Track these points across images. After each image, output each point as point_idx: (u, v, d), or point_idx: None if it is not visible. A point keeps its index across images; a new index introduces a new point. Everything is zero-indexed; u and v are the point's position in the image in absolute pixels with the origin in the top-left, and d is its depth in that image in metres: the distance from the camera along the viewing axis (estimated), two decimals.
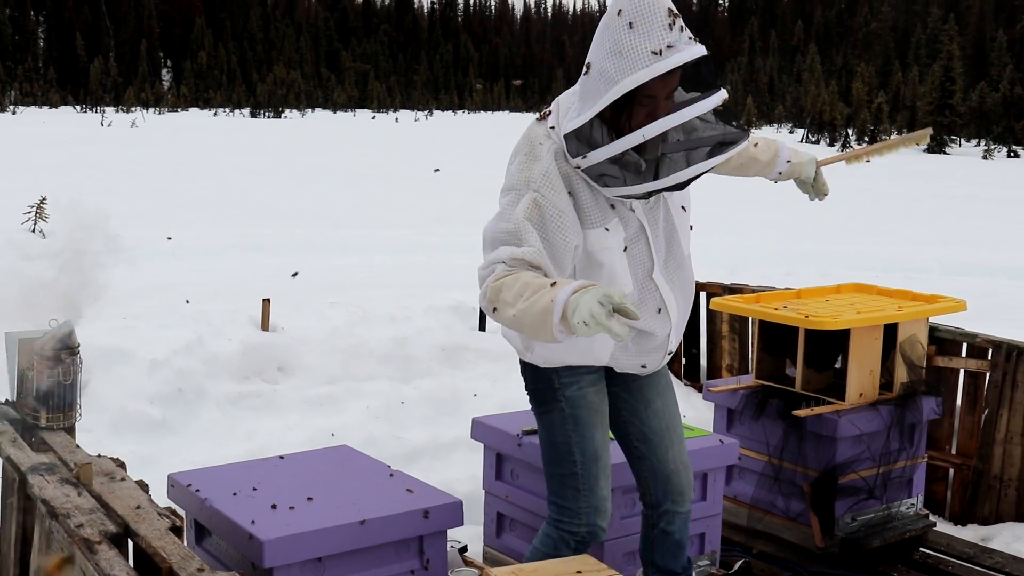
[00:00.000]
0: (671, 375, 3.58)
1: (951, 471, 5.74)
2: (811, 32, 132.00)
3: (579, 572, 3.16)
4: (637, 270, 3.22)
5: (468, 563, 4.09)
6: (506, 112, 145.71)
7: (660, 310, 3.27)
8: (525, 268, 2.96)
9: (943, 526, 5.49)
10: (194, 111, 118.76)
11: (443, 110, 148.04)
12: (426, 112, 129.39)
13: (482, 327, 6.81)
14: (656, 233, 3.26)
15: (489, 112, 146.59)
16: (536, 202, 3.04)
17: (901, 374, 4.90)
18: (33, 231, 15.37)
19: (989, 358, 5.52)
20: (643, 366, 3.36)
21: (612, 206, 3.16)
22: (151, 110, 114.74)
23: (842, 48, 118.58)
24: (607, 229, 3.15)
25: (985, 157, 65.23)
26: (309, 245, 16.26)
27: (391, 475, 3.75)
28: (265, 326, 6.44)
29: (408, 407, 5.98)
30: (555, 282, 2.83)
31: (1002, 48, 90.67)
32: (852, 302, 5.05)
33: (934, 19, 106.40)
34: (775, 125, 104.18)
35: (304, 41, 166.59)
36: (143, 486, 3.20)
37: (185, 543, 3.03)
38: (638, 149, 3.03)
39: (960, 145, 76.64)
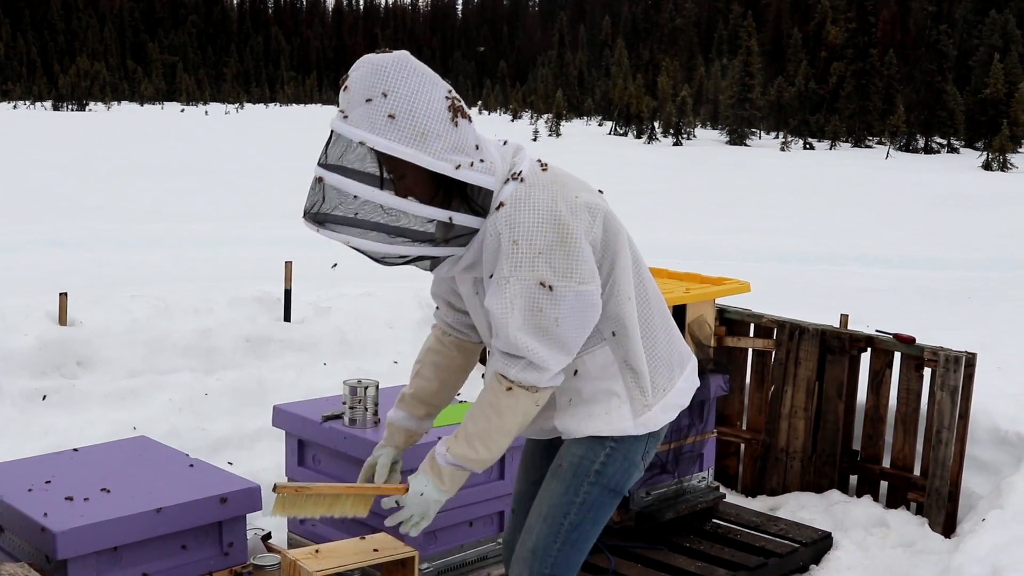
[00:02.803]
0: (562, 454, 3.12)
1: (742, 446, 6.03)
2: (619, 27, 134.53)
3: (376, 550, 3.24)
4: None
5: (271, 549, 4.11)
6: (318, 105, 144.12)
7: None
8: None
9: (735, 498, 5.76)
10: None
11: (254, 103, 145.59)
12: (237, 105, 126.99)
13: (287, 317, 6.79)
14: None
15: (301, 105, 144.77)
16: None
17: None
18: None
19: (775, 337, 5.81)
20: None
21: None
22: None
23: (648, 43, 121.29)
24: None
25: (782, 149, 67.89)
26: (112, 240, 15.86)
27: (190, 464, 3.75)
28: (63, 320, 6.28)
29: (212, 398, 5.93)
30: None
31: (798, 45, 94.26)
32: None
33: (735, 15, 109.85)
34: (585, 118, 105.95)
35: (108, 32, 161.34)
36: None
37: None
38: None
39: (760, 137, 79.55)
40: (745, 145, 72.35)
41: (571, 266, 2.76)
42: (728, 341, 5.90)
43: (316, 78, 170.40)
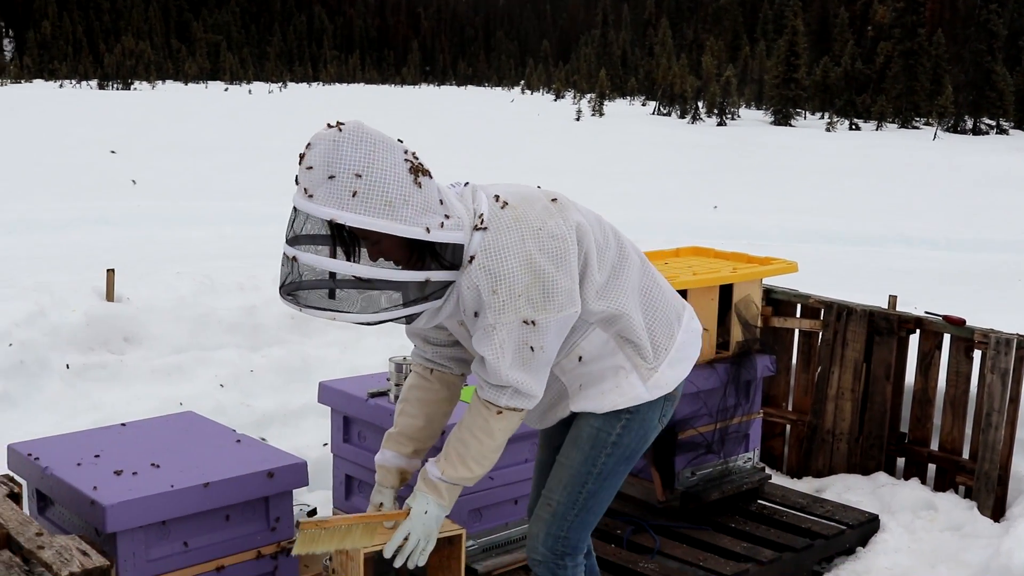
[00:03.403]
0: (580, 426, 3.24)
1: (787, 427, 5.99)
2: (663, 6, 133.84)
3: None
4: None
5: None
6: (361, 84, 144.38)
7: None
8: None
9: (780, 479, 5.72)
10: (39, 83, 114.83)
11: (297, 82, 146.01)
12: (280, 84, 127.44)
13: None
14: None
15: (344, 84, 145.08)
16: None
17: (737, 333, 5.08)
18: None
19: (821, 318, 5.76)
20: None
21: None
22: None
23: (692, 22, 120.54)
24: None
25: (828, 129, 67.26)
26: (157, 217, 15.97)
27: (237, 440, 3.76)
28: (110, 296, 6.33)
29: (257, 375, 5.96)
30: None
31: (844, 24, 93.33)
32: (689, 264, 5.22)
33: None
34: (628, 97, 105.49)
35: (153, 11, 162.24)
36: None
37: (27, 514, 3.00)
38: None
39: (804, 118, 78.85)
40: (790, 126, 71.79)
41: (548, 298, 2.88)
42: (774, 321, 5.85)
43: (359, 57, 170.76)
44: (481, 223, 2.86)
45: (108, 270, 6.42)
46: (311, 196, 2.72)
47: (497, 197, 2.96)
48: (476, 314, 2.89)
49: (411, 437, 3.21)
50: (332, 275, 2.87)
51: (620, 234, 3.17)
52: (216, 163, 25.90)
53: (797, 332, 5.95)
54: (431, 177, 2.82)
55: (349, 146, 2.71)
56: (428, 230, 2.75)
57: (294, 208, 2.79)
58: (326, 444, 5.14)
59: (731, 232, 15.43)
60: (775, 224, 17.30)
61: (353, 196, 2.69)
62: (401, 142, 2.82)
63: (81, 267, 9.33)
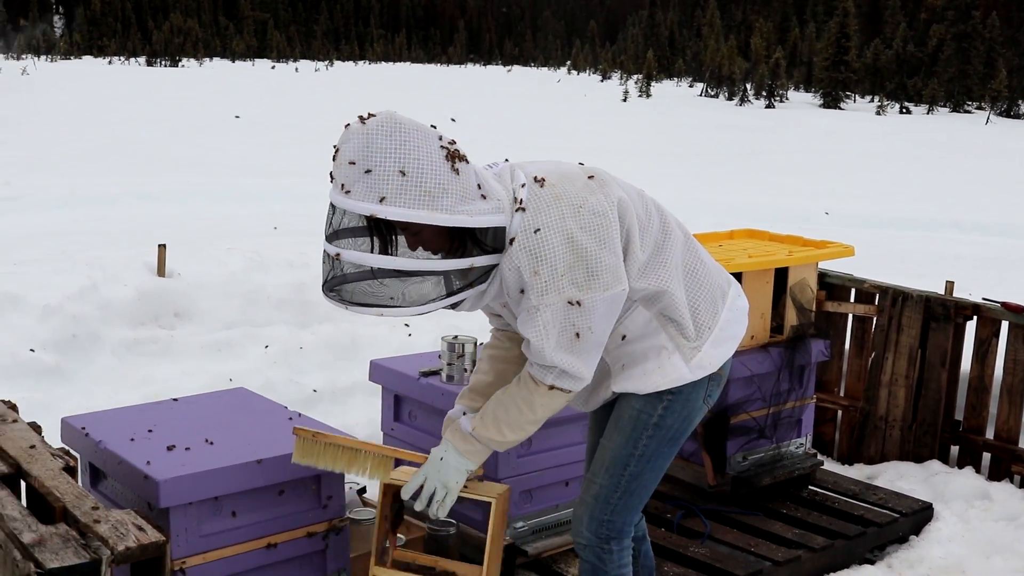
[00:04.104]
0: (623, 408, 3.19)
1: (839, 413, 5.91)
2: None
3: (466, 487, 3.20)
4: None
5: (366, 504, 4.12)
6: (407, 63, 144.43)
7: None
8: None
9: (831, 465, 5.65)
10: (88, 59, 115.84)
11: (343, 60, 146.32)
12: (326, 62, 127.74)
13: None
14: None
15: (390, 63, 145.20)
16: None
17: (791, 317, 5.02)
18: None
19: (876, 303, 5.68)
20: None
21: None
22: (43, 58, 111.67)
23: (741, 3, 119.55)
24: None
25: (878, 113, 66.55)
26: (205, 194, 16.04)
27: (290, 418, 3.75)
28: (161, 272, 6.35)
29: (306, 352, 5.96)
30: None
31: (896, 6, 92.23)
32: (744, 247, 5.16)
33: None
34: (675, 79, 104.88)
35: None
36: (35, 428, 3.16)
37: (83, 487, 3.00)
38: None
39: (854, 101, 78.06)
40: (839, 108, 71.11)
41: (593, 277, 2.83)
42: (828, 306, 5.77)
43: (405, 36, 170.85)
44: (521, 204, 2.82)
45: (160, 245, 6.44)
46: (348, 192, 2.68)
47: (536, 176, 2.91)
48: (522, 291, 2.85)
49: (481, 393, 3.19)
50: (375, 269, 2.84)
51: (664, 210, 3.11)
52: (263, 140, 25.99)
53: (851, 317, 5.87)
54: (467, 162, 2.77)
55: (383, 138, 2.67)
56: (471, 216, 2.72)
57: (331, 204, 2.76)
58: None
59: (778, 215, 15.28)
60: (823, 207, 17.13)
61: (391, 189, 2.65)
62: (435, 128, 2.77)
63: (131, 242, 9.37)
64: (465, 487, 3.10)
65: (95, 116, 32.26)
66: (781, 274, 4.98)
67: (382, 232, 2.83)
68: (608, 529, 3.15)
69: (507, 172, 2.93)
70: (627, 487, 3.13)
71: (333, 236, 2.79)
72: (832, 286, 5.82)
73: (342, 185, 2.70)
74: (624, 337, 3.03)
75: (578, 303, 2.80)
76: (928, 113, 69.81)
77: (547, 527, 4.17)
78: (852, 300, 5.82)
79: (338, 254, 2.77)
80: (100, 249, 8.02)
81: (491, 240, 2.81)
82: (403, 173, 2.65)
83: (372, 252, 2.81)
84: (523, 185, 2.86)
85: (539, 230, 2.80)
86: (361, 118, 2.73)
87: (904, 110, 70.22)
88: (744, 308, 3.26)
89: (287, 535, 3.44)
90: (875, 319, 5.70)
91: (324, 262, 2.85)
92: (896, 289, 5.61)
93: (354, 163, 2.67)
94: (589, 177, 2.95)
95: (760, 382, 4.86)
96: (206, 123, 31.44)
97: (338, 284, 2.87)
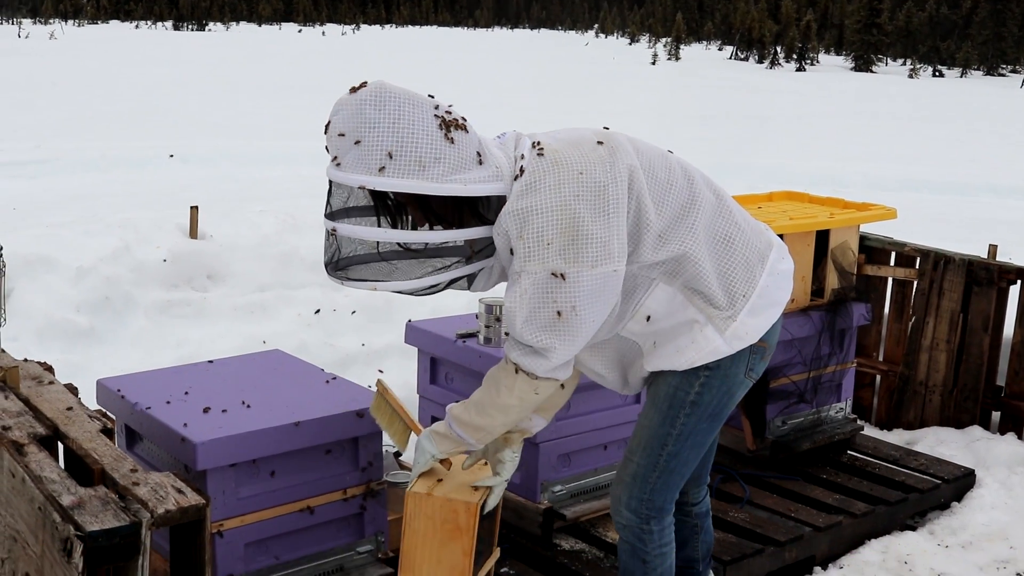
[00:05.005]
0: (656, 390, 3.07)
1: (878, 377, 5.84)
2: None
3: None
4: None
5: (404, 467, 4.09)
6: (434, 27, 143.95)
7: None
8: None
9: (870, 431, 5.58)
10: (115, 23, 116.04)
11: (370, 24, 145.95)
12: (353, 26, 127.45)
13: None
14: None
15: (417, 26, 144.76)
16: None
17: (832, 280, 4.94)
18: None
19: (917, 266, 5.59)
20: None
21: None
22: (70, 22, 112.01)
23: None
24: None
25: (911, 76, 65.91)
26: (235, 157, 16.02)
27: (327, 381, 3.71)
28: (193, 234, 6.33)
29: (340, 314, 5.92)
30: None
31: None
32: (784, 209, 5.07)
33: None
34: (704, 42, 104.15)
35: None
36: (72, 389, 3.14)
37: (121, 450, 2.97)
38: None
39: (886, 64, 77.32)
40: (871, 72, 70.46)
41: (580, 250, 2.67)
42: (868, 269, 5.68)
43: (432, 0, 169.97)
44: (521, 172, 2.72)
45: (192, 207, 6.41)
46: (339, 164, 2.63)
47: (537, 142, 2.79)
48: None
49: None
50: (378, 245, 2.78)
51: (692, 172, 2.95)
52: (291, 103, 25.96)
53: (890, 281, 5.78)
54: (467, 130, 2.68)
55: (373, 108, 2.60)
56: (465, 185, 2.63)
57: (329, 181, 2.70)
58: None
59: (812, 179, 15.13)
60: (857, 171, 16.96)
61: (382, 159, 2.58)
62: (432, 97, 2.69)
63: (163, 205, 9.37)
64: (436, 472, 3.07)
65: (123, 80, 32.29)
66: (822, 237, 4.90)
67: (378, 205, 2.75)
68: (648, 508, 3.05)
69: (512, 140, 2.83)
70: (665, 466, 3.01)
71: (330, 211, 2.74)
72: (872, 249, 5.72)
73: (334, 157, 2.64)
74: (649, 318, 2.89)
75: (562, 276, 2.66)
76: (962, 76, 69.09)
77: (585, 491, 4.12)
78: (892, 264, 5.73)
79: (334, 229, 2.71)
80: (132, 211, 8.01)
81: (493, 210, 2.73)
82: (394, 143, 2.58)
83: (369, 226, 2.73)
84: (526, 152, 2.76)
85: (530, 194, 2.68)
86: (352, 89, 2.66)
87: (937, 73, 69.53)
88: (787, 272, 3.07)
89: (325, 498, 3.42)
90: (916, 283, 5.61)
91: (326, 240, 2.79)
92: (938, 253, 5.52)
93: (344, 135, 2.61)
94: (598, 143, 2.80)
95: (800, 346, 4.79)
96: (234, 87, 31.42)
97: (338, 260, 2.81)
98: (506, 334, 2.83)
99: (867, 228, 5.62)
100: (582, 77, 46.47)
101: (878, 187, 15.52)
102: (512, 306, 2.72)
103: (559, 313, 2.68)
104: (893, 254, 5.71)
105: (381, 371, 5.51)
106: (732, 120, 27.51)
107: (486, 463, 3.14)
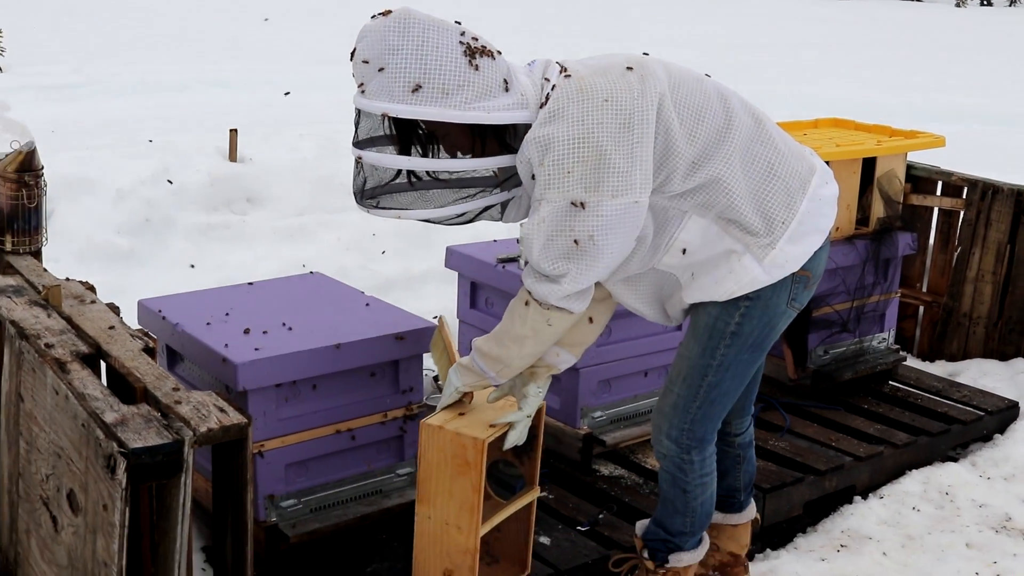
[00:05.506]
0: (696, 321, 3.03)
1: (921, 309, 5.77)
2: None
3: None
4: None
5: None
6: None
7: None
8: None
9: (912, 362, 5.53)
10: None
11: None
12: None
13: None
14: None
15: None
16: None
17: (878, 209, 4.86)
18: None
19: (964, 196, 5.50)
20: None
21: None
22: None
23: None
24: None
25: (958, 5, 64.67)
26: (274, 81, 15.96)
27: (367, 304, 3.70)
28: (233, 157, 6.31)
29: (380, 239, 5.91)
30: None
31: None
32: (830, 136, 4.99)
33: None
34: None
35: None
36: (114, 309, 3.14)
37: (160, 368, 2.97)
38: None
39: None
40: (918, 1, 69.19)
41: (601, 180, 2.62)
42: (913, 199, 5.58)
43: None
44: (547, 99, 2.67)
45: (231, 130, 6.39)
46: (364, 91, 2.61)
47: (564, 69, 2.73)
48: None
49: None
50: (405, 174, 2.76)
51: (730, 95, 2.87)
52: (329, 29, 25.81)
53: (936, 211, 5.69)
54: (493, 57, 2.63)
55: (396, 35, 2.56)
56: (489, 112, 2.59)
57: (355, 109, 2.68)
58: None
59: (856, 109, 14.90)
60: (905, 101, 16.69)
61: (405, 86, 2.55)
62: (459, 24, 2.64)
63: (203, 128, 9.35)
64: (460, 409, 3.05)
65: (162, 4, 32.20)
66: (868, 165, 4.82)
67: (403, 132, 2.72)
68: (689, 439, 3.03)
69: (540, 67, 2.78)
70: (705, 396, 2.99)
71: (357, 139, 2.72)
72: (918, 179, 5.62)
73: (360, 84, 2.62)
74: (684, 251, 2.84)
75: (582, 205, 2.62)
76: (1011, 6, 67.67)
77: (625, 417, 4.11)
78: (939, 193, 5.63)
79: (360, 157, 2.70)
80: (172, 134, 7.99)
81: (519, 139, 2.69)
82: (417, 70, 2.55)
83: (394, 154, 2.71)
84: (553, 79, 2.71)
85: (553, 122, 2.63)
86: (377, 15, 2.63)
87: (985, 3, 68.15)
88: (830, 197, 2.98)
89: (365, 420, 3.43)
90: (962, 213, 5.52)
91: (354, 169, 2.78)
92: (986, 182, 5.42)
93: (368, 62, 2.59)
94: (628, 68, 2.73)
95: (844, 275, 4.73)
96: (272, 11, 31.25)
97: (366, 188, 2.79)
98: (524, 262, 2.82)
99: (914, 157, 5.51)
100: (627, 3, 45.90)
101: (925, 118, 15.24)
102: (530, 234, 2.70)
103: (576, 242, 2.66)
104: (940, 183, 5.62)
105: (436, 318, 5.50)
106: (777, 48, 27.14)
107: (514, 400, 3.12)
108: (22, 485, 2.78)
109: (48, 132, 10.05)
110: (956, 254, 5.55)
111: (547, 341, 2.89)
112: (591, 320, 3.08)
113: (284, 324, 3.43)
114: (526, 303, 2.81)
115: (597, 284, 2.95)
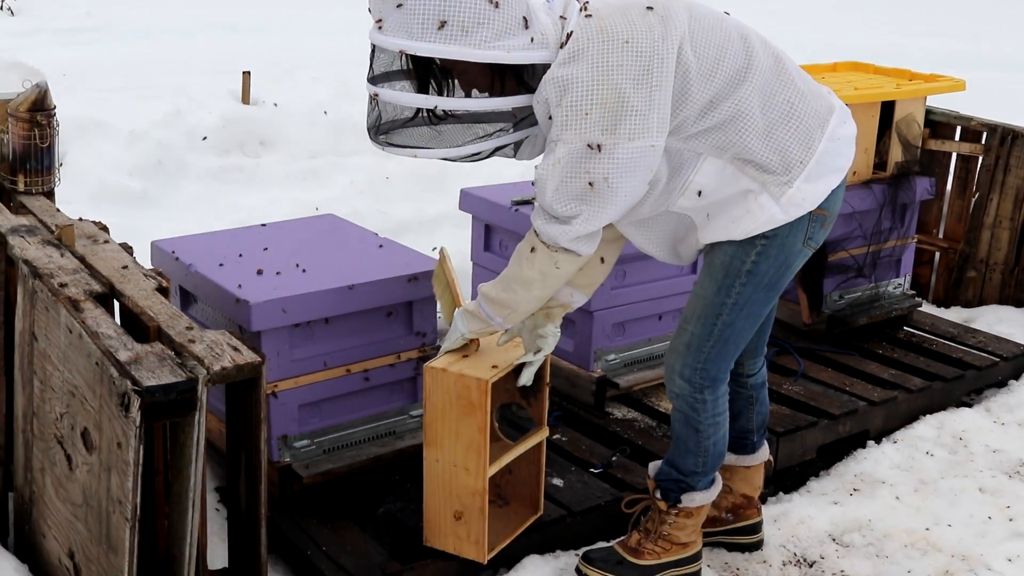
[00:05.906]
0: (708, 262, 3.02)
1: (937, 254, 5.73)
2: None
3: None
4: None
5: None
6: None
7: None
8: None
9: (927, 308, 5.50)
10: None
11: None
12: None
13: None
14: None
15: None
16: None
17: (896, 153, 4.82)
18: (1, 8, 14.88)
19: (983, 142, 5.44)
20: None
21: None
22: None
23: None
24: None
25: None
26: (288, 25, 15.86)
27: (380, 245, 3.69)
28: (246, 99, 6.28)
29: (393, 182, 5.88)
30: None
31: None
32: (849, 79, 4.93)
33: None
34: None
35: None
36: (127, 249, 3.13)
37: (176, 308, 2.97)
38: None
39: None
40: None
41: (619, 122, 2.60)
42: (931, 144, 5.52)
43: None
44: (567, 39, 2.63)
45: (244, 72, 6.36)
46: (381, 27, 2.57)
47: (585, 7, 2.69)
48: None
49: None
50: (422, 112, 2.74)
51: (750, 34, 2.83)
52: None
53: (955, 156, 5.64)
54: None
55: None
56: (509, 51, 2.56)
57: (371, 44, 2.65)
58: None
59: (872, 54, 14.76)
60: (920, 46, 16.51)
61: (424, 22, 2.51)
62: None
63: (215, 72, 9.28)
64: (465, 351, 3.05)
65: None
66: (887, 109, 4.76)
67: (420, 70, 2.69)
68: (702, 377, 3.02)
69: (560, 5, 2.73)
70: (720, 335, 2.97)
71: (372, 75, 2.69)
72: (937, 124, 5.56)
73: (377, 20, 2.59)
74: (700, 192, 2.81)
75: (598, 147, 2.60)
76: None
77: (639, 360, 4.10)
78: (957, 138, 5.57)
79: (376, 93, 2.67)
80: (184, 77, 7.95)
81: (537, 78, 2.66)
82: (436, 7, 2.51)
83: (410, 91, 2.69)
84: (573, 18, 2.67)
85: (572, 63, 2.60)
86: None
87: None
88: (848, 137, 2.95)
89: (378, 361, 3.42)
90: (981, 159, 5.47)
91: (368, 105, 2.75)
92: (1005, 127, 5.35)
93: None
94: (648, 8, 2.69)
95: (861, 219, 4.69)
96: None
97: (380, 125, 2.77)
98: (534, 202, 2.81)
99: (933, 101, 5.45)
100: None
101: (943, 63, 15.08)
102: (544, 174, 2.68)
103: (591, 184, 2.65)
104: (959, 129, 5.55)
105: (436, 250, 5.48)
106: None
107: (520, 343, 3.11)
108: (36, 424, 2.79)
109: (60, 75, 10.01)
110: (974, 200, 5.50)
111: (554, 285, 2.88)
112: (602, 260, 3.07)
113: (297, 265, 3.42)
114: (532, 249, 2.80)
115: (609, 225, 2.93)
